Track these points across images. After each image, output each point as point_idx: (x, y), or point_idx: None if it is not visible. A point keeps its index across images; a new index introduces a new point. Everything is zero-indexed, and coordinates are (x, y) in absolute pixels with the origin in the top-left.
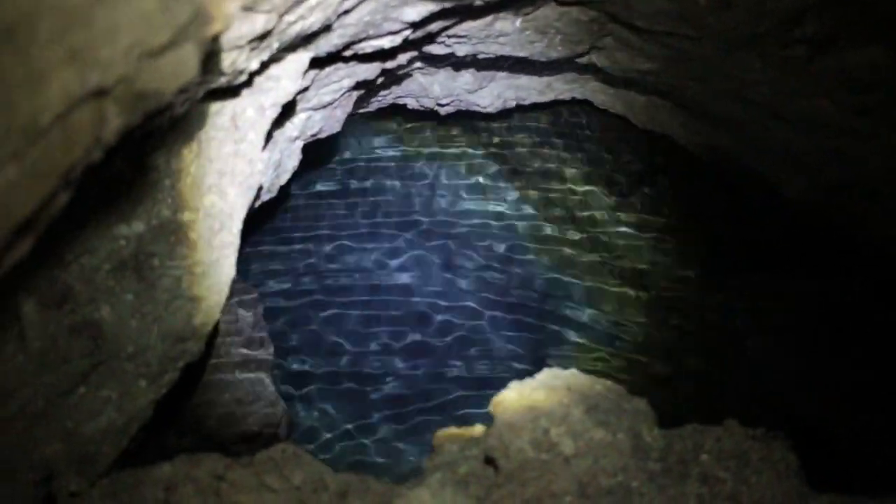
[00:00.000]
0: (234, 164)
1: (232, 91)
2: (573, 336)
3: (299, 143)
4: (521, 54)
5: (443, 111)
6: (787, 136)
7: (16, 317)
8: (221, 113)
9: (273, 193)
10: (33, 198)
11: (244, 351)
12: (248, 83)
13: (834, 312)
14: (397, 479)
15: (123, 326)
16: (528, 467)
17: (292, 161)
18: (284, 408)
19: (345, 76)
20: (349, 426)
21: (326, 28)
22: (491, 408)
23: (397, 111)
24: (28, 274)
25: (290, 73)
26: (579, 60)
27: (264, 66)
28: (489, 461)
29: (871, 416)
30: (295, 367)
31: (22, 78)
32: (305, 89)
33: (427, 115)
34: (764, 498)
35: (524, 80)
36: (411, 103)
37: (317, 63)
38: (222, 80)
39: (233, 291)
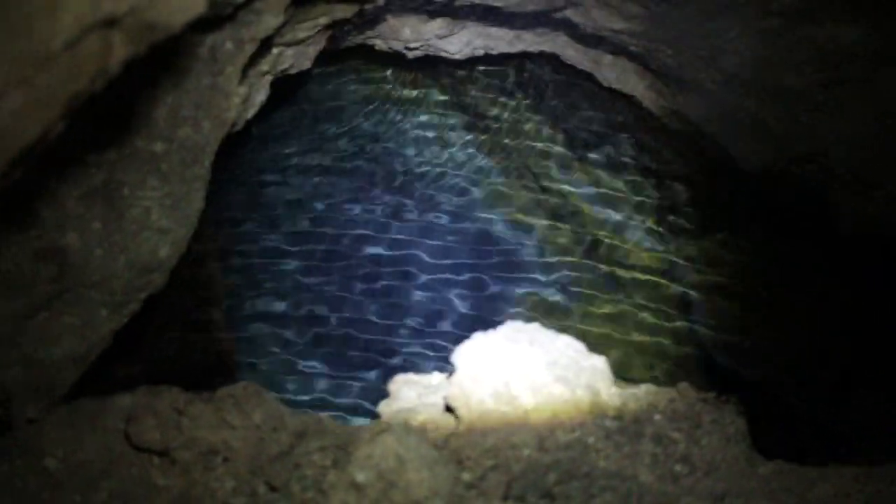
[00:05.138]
0: (211, 96)
1: (214, 23)
2: (517, 290)
3: (269, 78)
4: (497, 4)
5: (410, 55)
6: (753, 105)
7: None
8: (201, 44)
9: (239, 127)
10: (36, 127)
11: (197, 279)
12: (232, 16)
13: (786, 279)
14: None
15: (89, 254)
16: (488, 418)
17: (260, 95)
18: (235, 340)
19: (321, 14)
20: None
21: None
22: (453, 358)
23: (363, 52)
24: None
25: (272, 8)
26: (554, 15)
27: None
28: (449, 410)
29: (820, 380)
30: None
31: (38, 2)
32: (282, 25)
33: (393, 58)
34: (714, 460)
35: (494, 30)
36: (379, 45)
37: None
38: (209, 12)
39: None
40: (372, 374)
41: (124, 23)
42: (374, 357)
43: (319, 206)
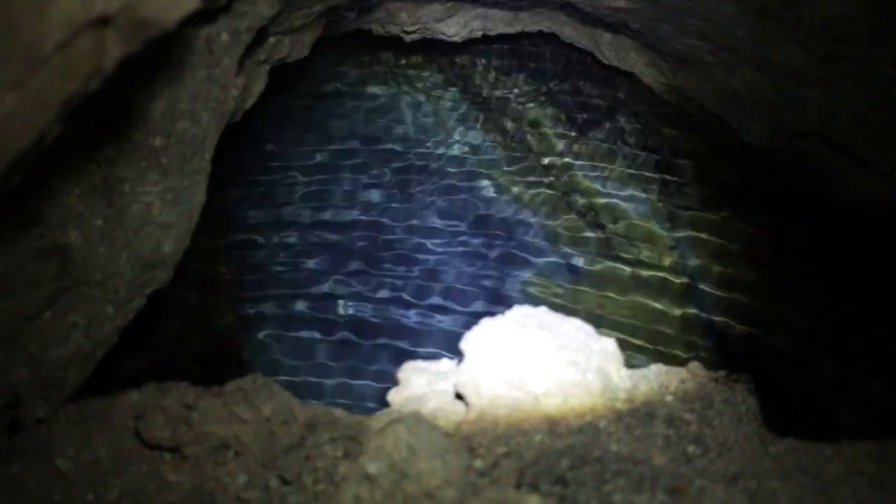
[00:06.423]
0: (208, 89)
1: (208, 15)
2: (522, 272)
3: (266, 67)
4: None
5: (408, 38)
6: (753, 80)
7: None
8: (196, 37)
9: (238, 118)
10: (32, 130)
11: (200, 271)
12: (226, 8)
13: (789, 253)
14: None
15: (92, 252)
16: (498, 404)
17: (259, 85)
18: (241, 331)
19: (316, 1)
20: None
21: None
22: (462, 344)
23: (361, 37)
24: None
25: None
26: None
27: None
28: (459, 397)
29: (825, 357)
30: None
31: (25, 3)
32: (277, 14)
33: (391, 42)
34: (727, 441)
35: (492, 10)
36: (377, 29)
37: None
38: (203, 5)
39: None
40: None
41: (117, 21)
42: None
43: None
